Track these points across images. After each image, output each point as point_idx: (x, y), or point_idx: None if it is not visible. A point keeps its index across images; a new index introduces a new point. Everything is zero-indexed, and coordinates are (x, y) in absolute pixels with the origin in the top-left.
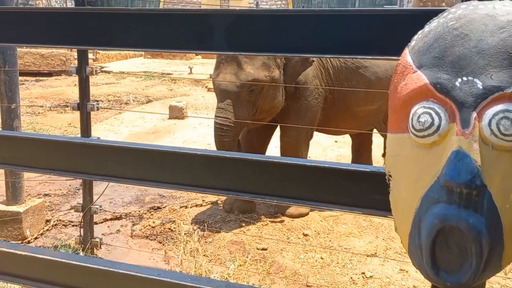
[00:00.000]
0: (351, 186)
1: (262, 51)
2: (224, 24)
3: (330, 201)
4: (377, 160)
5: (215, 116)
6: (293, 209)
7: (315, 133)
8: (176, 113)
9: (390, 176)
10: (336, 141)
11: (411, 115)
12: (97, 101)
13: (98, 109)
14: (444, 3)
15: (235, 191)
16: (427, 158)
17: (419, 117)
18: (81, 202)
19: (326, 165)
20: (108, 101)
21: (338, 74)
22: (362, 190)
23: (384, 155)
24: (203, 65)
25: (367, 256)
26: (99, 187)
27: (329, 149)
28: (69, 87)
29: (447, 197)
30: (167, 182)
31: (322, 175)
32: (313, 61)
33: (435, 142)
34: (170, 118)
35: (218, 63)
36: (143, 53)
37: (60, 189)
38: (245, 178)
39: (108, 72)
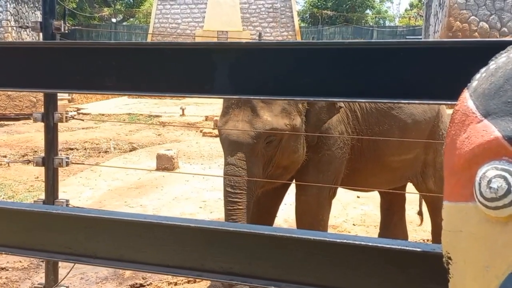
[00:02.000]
0: (397, 271)
1: (276, 94)
2: (227, 61)
3: None
4: (410, 220)
5: (225, 175)
6: None
7: None
8: (165, 164)
9: (449, 258)
10: (358, 197)
11: (477, 178)
12: (71, 150)
13: (67, 164)
14: (477, 33)
15: (240, 275)
16: (502, 237)
17: (490, 182)
18: (43, 282)
19: (362, 243)
20: (85, 149)
21: (367, 117)
22: (412, 277)
23: (420, 213)
24: (197, 105)
25: None
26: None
27: (350, 206)
28: (38, 133)
29: None
30: (150, 264)
31: (357, 256)
32: (341, 107)
33: None
34: (158, 169)
35: (226, 108)
36: None
37: (20, 261)
38: (253, 258)
39: (85, 115)
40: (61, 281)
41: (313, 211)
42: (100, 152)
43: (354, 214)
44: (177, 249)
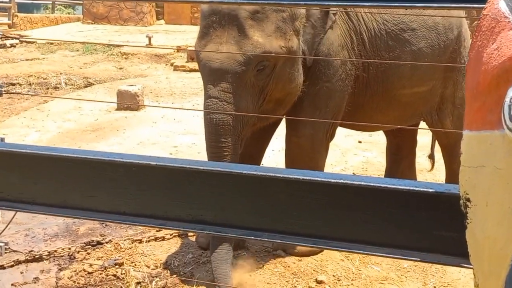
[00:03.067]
0: (402, 215)
1: None
2: None
3: (368, 240)
4: (421, 169)
5: (206, 110)
6: None
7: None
8: (128, 102)
9: (467, 200)
10: (360, 142)
11: (507, 100)
12: (12, 85)
13: (0, 94)
14: None
15: (213, 224)
16: None
17: None
18: None
19: (362, 183)
20: (29, 84)
21: (375, 41)
22: (420, 223)
23: (431, 156)
24: (167, 33)
25: None
26: (8, 211)
27: (350, 153)
28: None
29: None
30: (102, 211)
31: (354, 197)
32: (335, 13)
33: None
34: (119, 108)
35: (205, 27)
36: (80, 16)
37: None
38: (229, 204)
39: (31, 43)
40: None
41: (306, 156)
42: (48, 88)
43: (354, 161)
44: (134, 192)
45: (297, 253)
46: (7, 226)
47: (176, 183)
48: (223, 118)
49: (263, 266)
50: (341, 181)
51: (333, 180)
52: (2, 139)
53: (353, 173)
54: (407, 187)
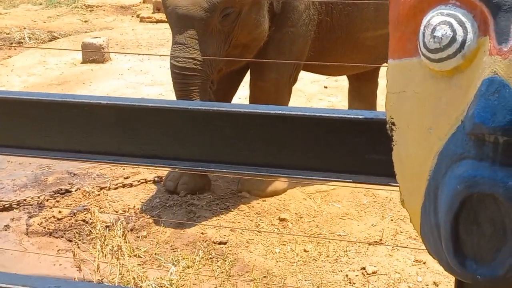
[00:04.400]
0: (337, 142)
1: None
2: None
3: (306, 166)
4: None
5: (172, 56)
6: (264, 185)
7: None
8: (93, 54)
9: (393, 124)
10: (325, 87)
11: (422, 28)
12: None
13: None
14: None
15: (164, 158)
16: (446, 93)
17: (434, 30)
18: None
19: (299, 113)
20: None
21: None
22: (353, 148)
23: None
24: None
25: (369, 244)
26: None
27: (315, 98)
28: None
29: (476, 150)
30: (58, 150)
31: (293, 127)
32: None
33: (458, 67)
34: (84, 62)
35: None
36: None
37: None
38: (178, 139)
39: None
40: None
41: (270, 99)
42: (11, 43)
43: (319, 106)
44: (88, 131)
45: (260, 194)
46: None
47: (127, 121)
48: (189, 65)
49: (227, 207)
50: (280, 112)
51: (272, 112)
52: None
53: None
54: (340, 115)
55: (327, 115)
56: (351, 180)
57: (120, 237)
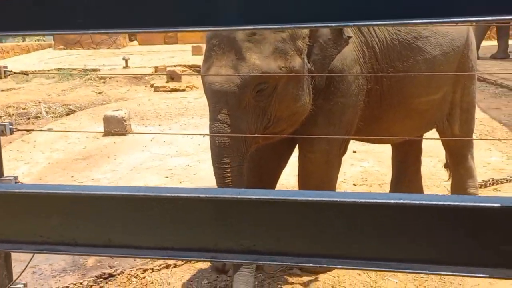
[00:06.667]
0: (464, 236)
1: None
2: None
3: (434, 260)
4: (429, 176)
5: (211, 131)
6: None
7: None
8: (115, 127)
9: None
10: (355, 152)
11: None
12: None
13: (12, 132)
14: None
15: (267, 254)
16: None
17: None
18: None
19: (423, 202)
20: (9, 115)
21: (387, 52)
22: (484, 242)
23: (447, 166)
24: (141, 55)
25: None
26: (20, 254)
27: (346, 163)
28: None
29: None
30: (146, 248)
31: (417, 218)
32: (350, 36)
33: None
34: (106, 135)
35: (208, 50)
36: (52, 42)
37: None
38: (282, 232)
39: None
40: (18, 277)
41: (321, 172)
42: (29, 119)
43: (352, 172)
44: (181, 227)
45: (312, 271)
46: (26, 266)
47: (225, 214)
48: (225, 140)
49: (280, 286)
50: (401, 201)
51: (393, 201)
52: (16, 180)
53: (354, 184)
54: (471, 204)
55: (454, 203)
56: (487, 275)
57: None
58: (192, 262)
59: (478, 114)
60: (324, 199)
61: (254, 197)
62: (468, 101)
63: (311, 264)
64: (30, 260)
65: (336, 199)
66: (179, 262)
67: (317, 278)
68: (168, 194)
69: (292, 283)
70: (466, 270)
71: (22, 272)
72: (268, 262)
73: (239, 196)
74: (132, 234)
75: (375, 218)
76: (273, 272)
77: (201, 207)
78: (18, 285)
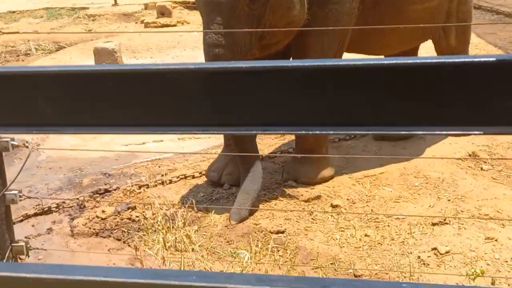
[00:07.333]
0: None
1: None
2: None
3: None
4: None
5: (205, 42)
6: (312, 172)
7: None
8: (106, 60)
9: None
10: None
11: None
12: None
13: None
14: None
15: (219, 125)
16: None
17: None
18: None
19: (418, 62)
20: None
21: None
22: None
23: None
24: None
25: (433, 224)
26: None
27: None
28: None
29: None
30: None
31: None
32: None
33: None
34: None
35: None
36: None
37: None
38: (241, 101)
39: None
40: (9, 185)
41: None
42: (19, 56)
43: None
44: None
45: (308, 182)
46: (18, 175)
47: (215, 86)
48: (220, 52)
49: (276, 197)
50: (394, 62)
51: (386, 63)
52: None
53: None
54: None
55: (448, 61)
56: (481, 132)
57: (180, 228)
58: (188, 178)
59: (474, 39)
60: (317, 64)
61: (244, 65)
62: (465, 11)
63: (303, 132)
64: (19, 173)
65: (328, 64)
66: (175, 179)
67: (312, 188)
68: (156, 68)
69: (288, 194)
70: (460, 129)
71: (18, 174)
72: (260, 132)
73: (229, 66)
74: (121, 110)
75: (367, 81)
76: (269, 184)
77: (191, 80)
78: (12, 192)
